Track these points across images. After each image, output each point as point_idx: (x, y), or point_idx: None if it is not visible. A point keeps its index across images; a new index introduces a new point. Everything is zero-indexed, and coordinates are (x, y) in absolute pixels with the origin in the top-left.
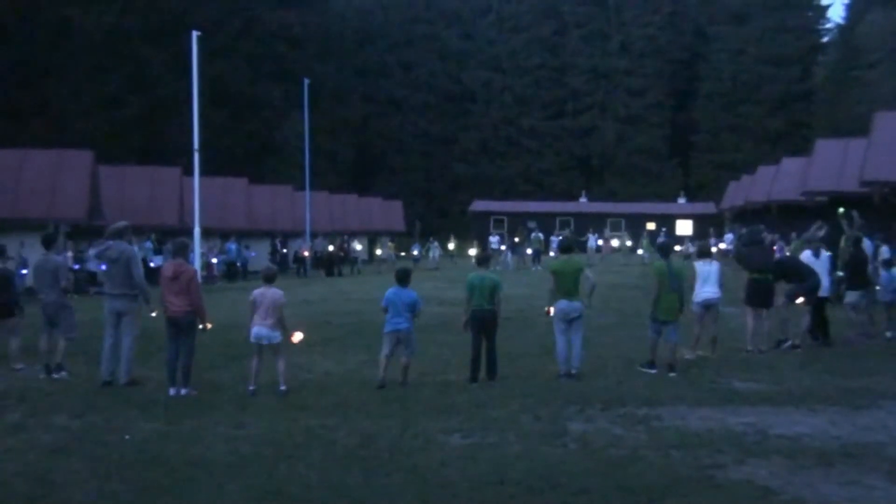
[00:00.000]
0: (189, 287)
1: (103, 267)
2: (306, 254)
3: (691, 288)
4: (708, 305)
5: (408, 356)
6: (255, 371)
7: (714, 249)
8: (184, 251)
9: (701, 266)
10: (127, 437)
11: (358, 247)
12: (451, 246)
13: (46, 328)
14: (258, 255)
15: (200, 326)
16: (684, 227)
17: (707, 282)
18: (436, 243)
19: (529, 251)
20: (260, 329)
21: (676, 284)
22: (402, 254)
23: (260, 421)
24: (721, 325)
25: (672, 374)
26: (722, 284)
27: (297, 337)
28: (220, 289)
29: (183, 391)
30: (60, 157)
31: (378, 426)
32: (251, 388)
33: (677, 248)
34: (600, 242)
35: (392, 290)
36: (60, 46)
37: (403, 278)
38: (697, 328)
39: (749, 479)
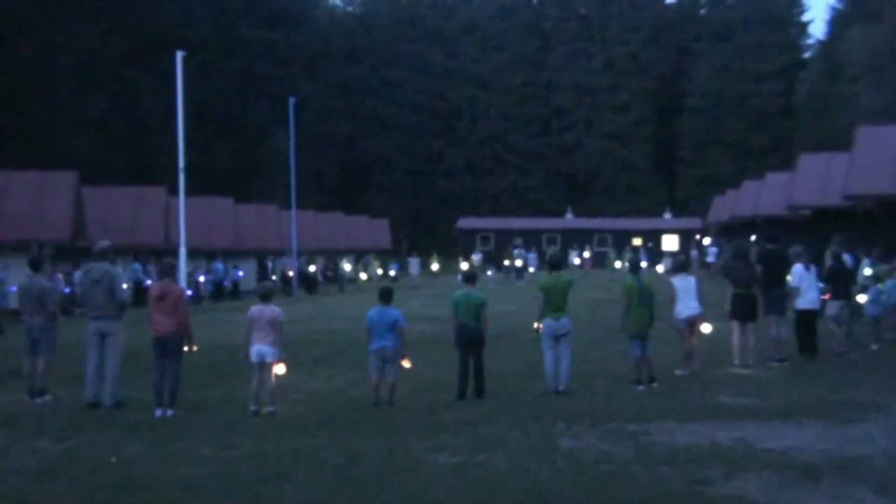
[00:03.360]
0: (177, 307)
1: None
2: (291, 273)
3: (670, 304)
4: (692, 321)
5: (394, 374)
6: (255, 390)
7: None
8: (171, 271)
9: (679, 282)
10: (112, 459)
11: (347, 266)
12: (434, 266)
13: (30, 351)
14: (247, 274)
15: (186, 348)
16: (670, 242)
17: (688, 297)
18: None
19: (519, 262)
20: (261, 347)
21: (646, 300)
22: (380, 272)
23: (247, 442)
24: (706, 340)
25: (654, 385)
26: (702, 298)
27: (280, 369)
28: (206, 309)
29: (169, 412)
30: (44, 179)
31: (366, 445)
32: (253, 408)
33: (660, 266)
34: (586, 255)
35: (374, 311)
36: (44, 67)
37: (385, 297)
38: (685, 345)
39: (738, 494)
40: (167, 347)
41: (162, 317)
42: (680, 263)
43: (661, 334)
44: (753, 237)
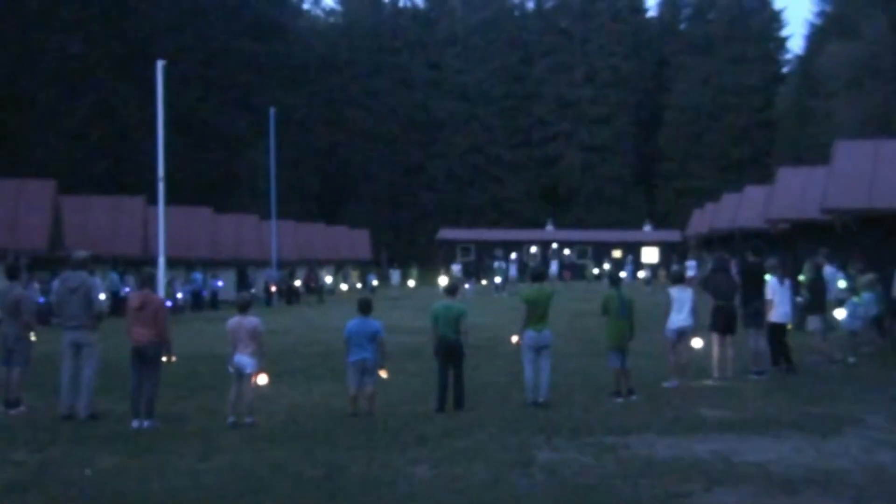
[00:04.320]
0: (156, 317)
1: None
2: (274, 288)
3: (665, 315)
4: (682, 333)
5: (372, 386)
6: (233, 401)
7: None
8: (150, 281)
9: (676, 293)
10: (88, 472)
11: (328, 279)
12: (411, 281)
13: (4, 361)
14: (227, 284)
15: (164, 358)
16: (650, 255)
17: (682, 309)
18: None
19: (497, 279)
20: (241, 357)
21: (626, 312)
22: (359, 285)
23: (224, 454)
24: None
25: (633, 398)
26: (696, 312)
27: (262, 380)
28: (186, 319)
29: (146, 423)
30: (22, 187)
31: (344, 458)
32: (231, 419)
33: (640, 274)
34: (565, 275)
35: (353, 322)
36: (23, 75)
37: (365, 308)
38: (672, 356)
39: None
40: (145, 358)
41: (141, 327)
42: (678, 275)
43: (643, 347)
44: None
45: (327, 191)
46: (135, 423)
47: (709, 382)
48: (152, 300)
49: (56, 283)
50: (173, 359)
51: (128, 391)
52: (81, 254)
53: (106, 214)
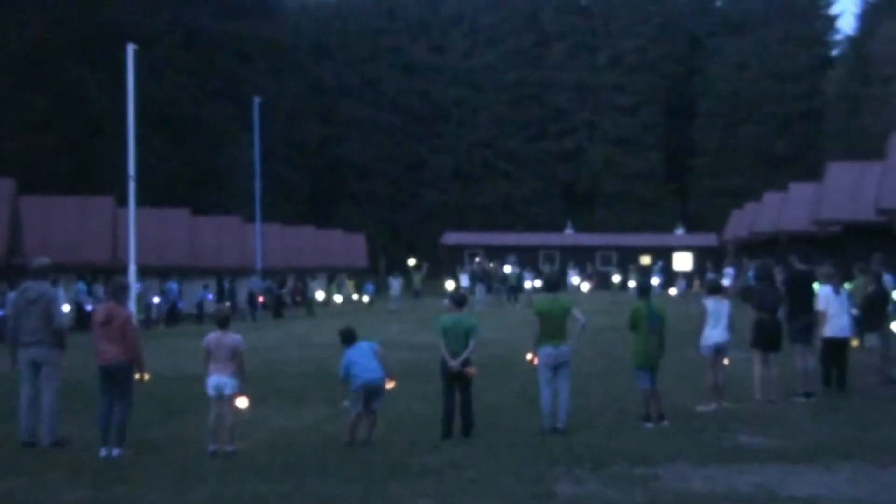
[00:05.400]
0: (123, 332)
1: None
2: (261, 300)
3: (698, 329)
4: (719, 350)
5: (377, 408)
6: (214, 427)
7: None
8: (120, 292)
9: (712, 304)
10: None
11: (319, 295)
12: (416, 284)
13: None
14: (207, 295)
15: (137, 377)
16: (683, 261)
17: (719, 323)
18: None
19: (508, 268)
20: (220, 378)
21: (657, 326)
22: (355, 296)
23: (203, 486)
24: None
25: (664, 423)
26: (732, 326)
27: (243, 402)
28: (159, 334)
29: (115, 452)
30: None
31: (338, 491)
32: (211, 447)
33: (672, 290)
34: (584, 284)
35: (349, 352)
36: None
37: (347, 338)
38: (710, 376)
39: None
40: (114, 378)
41: (107, 344)
42: (715, 285)
43: (675, 365)
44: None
45: (318, 190)
46: (103, 452)
47: (758, 407)
48: (118, 313)
49: (12, 295)
50: (146, 377)
51: (96, 416)
52: (42, 261)
53: (71, 217)
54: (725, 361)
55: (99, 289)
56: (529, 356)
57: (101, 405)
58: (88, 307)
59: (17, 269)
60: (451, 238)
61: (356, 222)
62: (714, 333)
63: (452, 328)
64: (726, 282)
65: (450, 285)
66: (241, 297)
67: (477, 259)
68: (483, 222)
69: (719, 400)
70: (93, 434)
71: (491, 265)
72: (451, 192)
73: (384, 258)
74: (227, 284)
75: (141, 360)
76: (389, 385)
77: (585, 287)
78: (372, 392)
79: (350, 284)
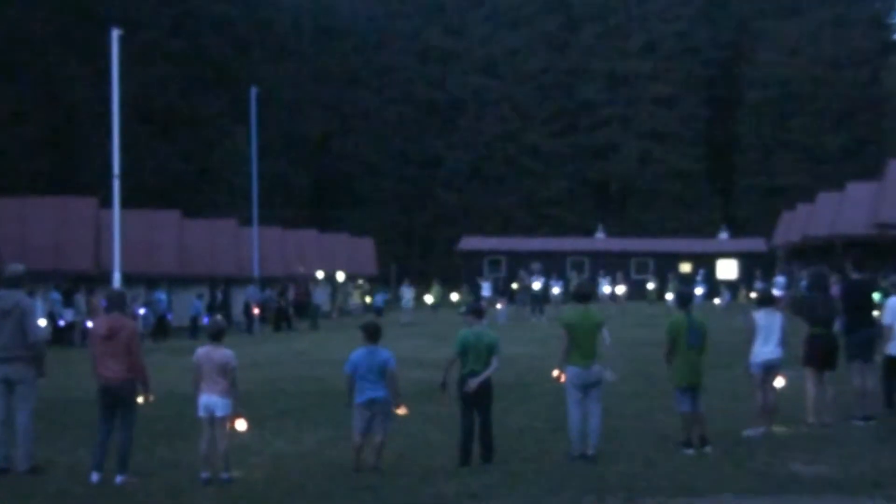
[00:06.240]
0: (129, 348)
1: None
2: (257, 311)
3: (747, 344)
4: (770, 367)
5: (382, 433)
6: (205, 453)
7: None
8: (121, 304)
9: (763, 317)
10: None
11: (322, 297)
12: (429, 297)
13: None
14: (199, 306)
15: (140, 399)
16: (727, 269)
17: (770, 338)
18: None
19: (536, 284)
20: (209, 398)
21: (698, 341)
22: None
23: None
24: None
25: (707, 449)
26: (785, 341)
27: (241, 425)
28: (147, 349)
29: (119, 479)
30: None
31: None
32: (204, 474)
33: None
34: (620, 288)
35: (359, 353)
36: None
37: (373, 334)
38: (759, 396)
39: None
40: (118, 399)
41: (111, 360)
42: (766, 295)
43: (718, 385)
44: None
45: (322, 189)
46: (94, 477)
47: (812, 431)
48: (124, 326)
49: None
50: (151, 398)
51: (96, 440)
52: (16, 268)
53: (49, 220)
54: (779, 381)
55: (80, 299)
56: (556, 373)
57: (101, 428)
58: (61, 321)
59: None
60: (469, 243)
61: (364, 226)
62: (765, 350)
63: (474, 345)
64: (776, 292)
65: (455, 297)
66: (238, 307)
67: (524, 272)
68: (504, 226)
69: (769, 423)
70: (72, 459)
71: (523, 274)
72: (468, 192)
73: (396, 266)
74: (219, 294)
75: (146, 378)
76: (400, 412)
77: (621, 290)
78: (375, 412)
79: (357, 294)
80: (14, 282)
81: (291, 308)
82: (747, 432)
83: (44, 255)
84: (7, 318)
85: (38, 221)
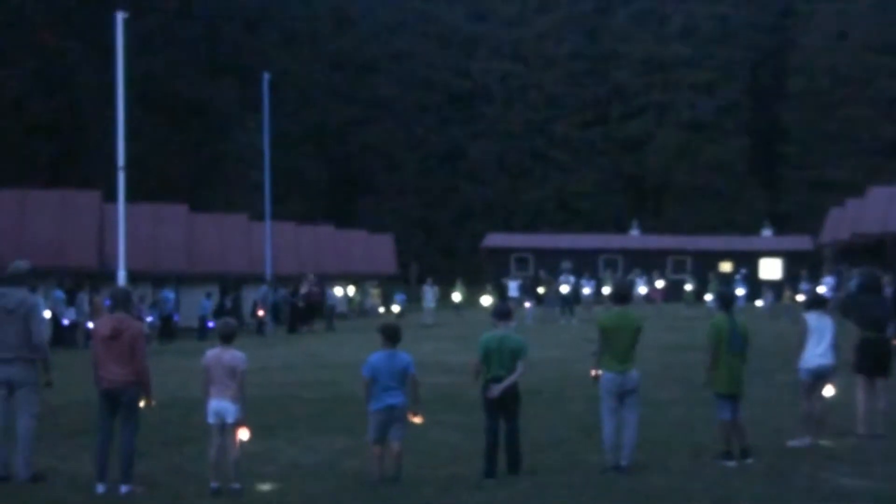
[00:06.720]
0: (134, 349)
1: None
2: (261, 313)
3: (797, 349)
4: (821, 374)
5: (399, 440)
6: (215, 461)
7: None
8: (126, 302)
9: (815, 320)
10: None
11: (338, 292)
12: (456, 296)
13: None
14: (208, 306)
15: (142, 404)
16: (771, 268)
17: (822, 342)
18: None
19: (564, 288)
20: (219, 403)
21: (740, 345)
22: (381, 308)
23: None
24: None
25: (748, 461)
26: (836, 346)
27: (244, 434)
28: (153, 352)
29: (123, 489)
30: None
31: None
32: (213, 485)
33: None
34: (658, 285)
35: (378, 356)
36: None
37: (392, 336)
38: (806, 404)
39: None
40: (120, 404)
41: (114, 364)
42: (817, 297)
43: (760, 392)
44: None
45: (338, 183)
46: (100, 488)
47: (851, 441)
48: (128, 326)
49: None
50: (153, 403)
51: (96, 447)
52: (21, 265)
53: (50, 213)
54: (828, 390)
55: (83, 298)
56: (594, 372)
57: (102, 434)
58: (65, 321)
59: None
60: (495, 240)
61: (382, 221)
62: (815, 354)
63: (497, 349)
64: (825, 293)
65: (486, 301)
66: (249, 308)
67: (546, 273)
68: (531, 222)
69: (816, 434)
70: (74, 467)
71: (543, 274)
72: (493, 185)
73: (416, 264)
74: (228, 302)
75: (148, 383)
76: (416, 420)
77: (661, 283)
78: (393, 419)
79: (375, 294)
80: (19, 279)
81: (301, 301)
82: (792, 443)
83: (44, 251)
84: (11, 317)
85: (38, 215)
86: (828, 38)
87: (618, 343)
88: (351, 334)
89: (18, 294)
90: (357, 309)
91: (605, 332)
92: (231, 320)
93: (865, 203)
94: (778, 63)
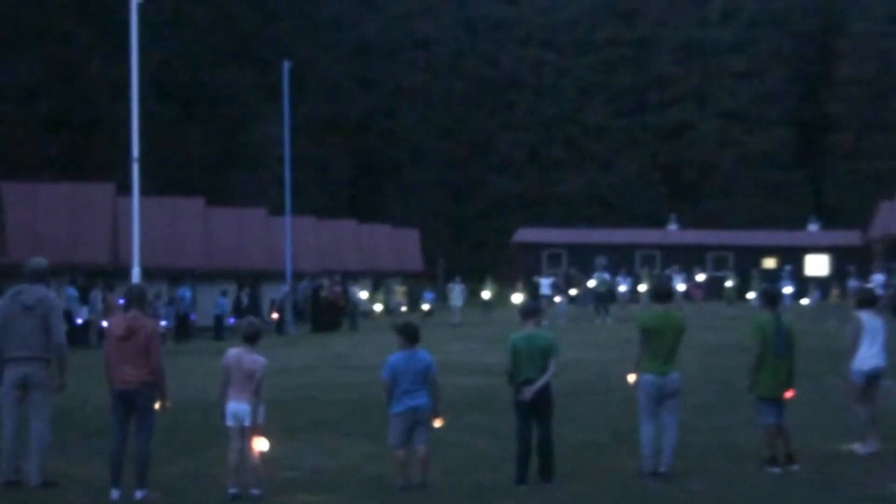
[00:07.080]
0: (148, 350)
1: None
2: (275, 316)
3: (850, 350)
4: (874, 376)
5: (425, 444)
6: (234, 465)
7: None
8: (141, 301)
9: (867, 319)
10: None
11: (363, 294)
12: (485, 294)
13: None
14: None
15: (157, 405)
16: (817, 265)
17: (874, 343)
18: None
19: (593, 281)
20: (238, 405)
21: (786, 346)
22: (404, 308)
23: None
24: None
25: (794, 468)
26: (887, 347)
27: (262, 444)
28: (168, 352)
29: (138, 494)
30: None
31: None
32: (232, 490)
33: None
34: (698, 280)
35: (398, 356)
36: None
37: (411, 335)
38: (861, 409)
39: None
40: (135, 406)
41: (129, 364)
42: (869, 295)
43: (807, 395)
44: None
45: (361, 175)
46: (115, 494)
47: None
48: (142, 325)
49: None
50: (168, 404)
51: (109, 451)
52: (40, 262)
53: (62, 207)
54: (884, 392)
55: (97, 296)
56: (631, 378)
57: (116, 438)
58: (79, 319)
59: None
60: (525, 235)
61: (408, 216)
62: (869, 355)
63: (527, 348)
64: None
65: (517, 299)
66: (266, 305)
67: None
68: (564, 216)
69: (878, 438)
70: (87, 472)
71: (573, 270)
72: (524, 178)
73: (443, 260)
74: (244, 298)
75: (163, 384)
76: (437, 423)
77: (701, 278)
78: (417, 421)
79: (400, 292)
80: (38, 276)
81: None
82: (858, 449)
83: (56, 246)
84: (29, 315)
85: (50, 209)
86: (877, 23)
87: (659, 344)
88: (374, 333)
89: (38, 291)
90: (383, 307)
91: (647, 332)
92: (254, 319)
93: None
94: (824, 49)
